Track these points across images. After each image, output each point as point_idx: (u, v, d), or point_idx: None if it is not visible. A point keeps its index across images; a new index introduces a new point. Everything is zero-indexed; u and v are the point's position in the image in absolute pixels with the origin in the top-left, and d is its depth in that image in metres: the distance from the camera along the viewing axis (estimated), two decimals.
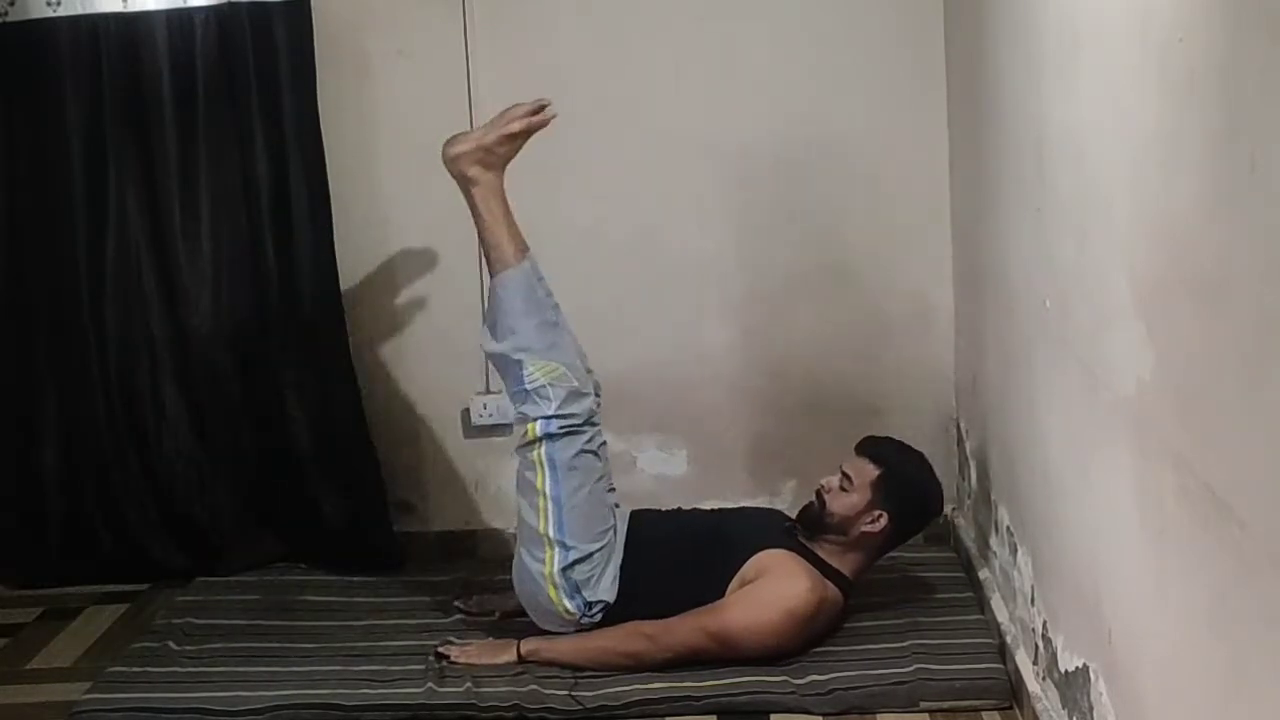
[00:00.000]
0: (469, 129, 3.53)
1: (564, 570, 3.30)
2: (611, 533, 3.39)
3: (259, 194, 3.93)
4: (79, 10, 3.87)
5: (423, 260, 4.08)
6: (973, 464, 3.74)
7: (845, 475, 3.35)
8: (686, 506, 3.77)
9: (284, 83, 3.88)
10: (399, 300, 4.10)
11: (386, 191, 4.04)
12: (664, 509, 3.67)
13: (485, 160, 3.40)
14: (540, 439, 3.32)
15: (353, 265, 4.02)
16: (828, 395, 4.05)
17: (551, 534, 3.31)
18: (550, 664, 3.25)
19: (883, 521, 3.32)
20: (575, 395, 3.35)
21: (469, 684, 3.19)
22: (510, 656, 3.27)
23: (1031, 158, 2.82)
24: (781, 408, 4.07)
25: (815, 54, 3.96)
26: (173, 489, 4.04)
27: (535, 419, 3.33)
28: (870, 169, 3.98)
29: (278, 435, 4.03)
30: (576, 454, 3.34)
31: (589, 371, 3.46)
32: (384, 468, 4.05)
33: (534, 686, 3.17)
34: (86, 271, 3.95)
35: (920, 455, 3.47)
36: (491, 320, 3.43)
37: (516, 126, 3.41)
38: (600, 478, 3.40)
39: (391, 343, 4.11)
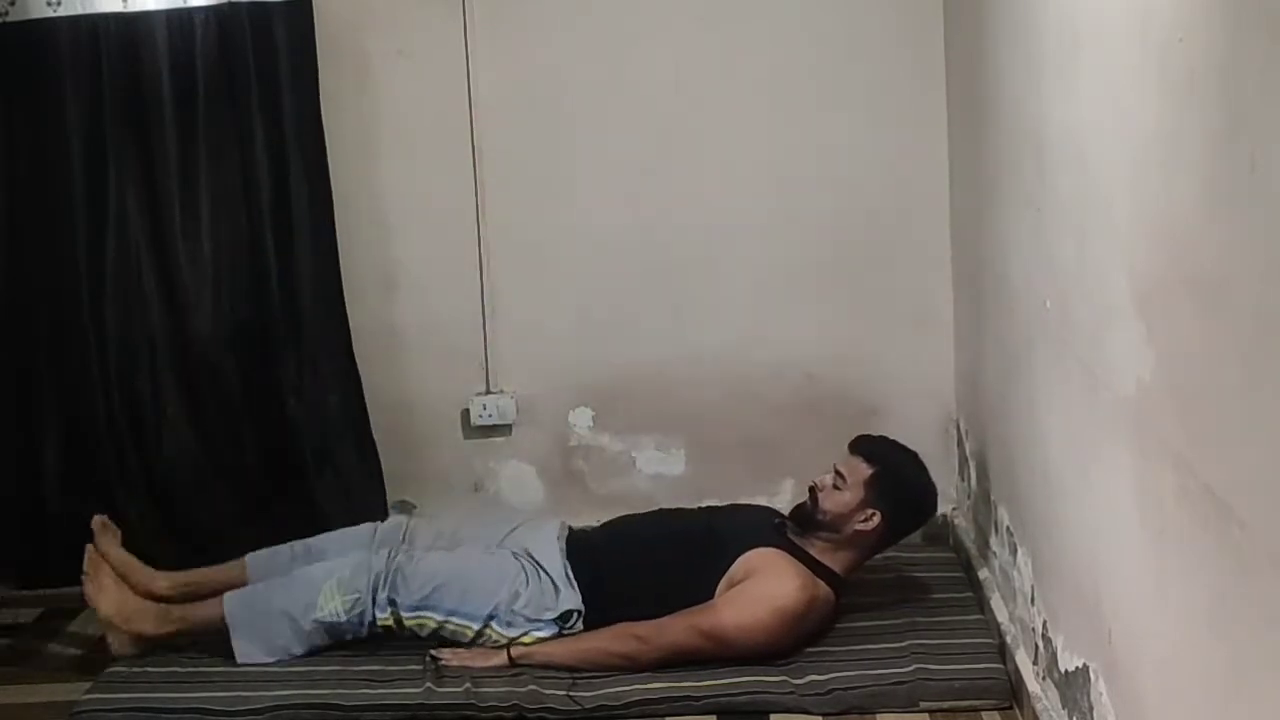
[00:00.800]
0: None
1: (509, 624, 3.31)
2: (511, 558, 3.40)
3: (259, 194, 3.93)
4: (79, 10, 3.87)
5: (423, 260, 4.08)
6: (973, 464, 3.74)
7: (839, 473, 3.35)
8: (687, 506, 3.77)
9: (284, 83, 3.88)
10: (399, 300, 4.10)
11: (386, 191, 4.04)
12: (646, 511, 3.68)
13: (124, 616, 3.40)
14: (381, 619, 3.34)
15: (353, 265, 4.02)
16: (827, 395, 4.05)
17: (478, 626, 3.33)
18: (542, 666, 3.25)
19: (875, 520, 3.33)
20: (351, 581, 3.34)
21: (468, 684, 3.19)
22: (501, 660, 3.27)
23: (1031, 158, 2.82)
24: (780, 407, 4.07)
25: (815, 54, 3.96)
26: (173, 489, 4.04)
27: (366, 622, 3.34)
28: (870, 169, 3.98)
29: (278, 435, 4.03)
30: (400, 582, 3.35)
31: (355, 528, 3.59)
32: (384, 468, 4.06)
33: (533, 687, 3.17)
34: (86, 271, 3.95)
35: (914, 454, 3.47)
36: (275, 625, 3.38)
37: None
38: (433, 547, 3.46)
39: (392, 343, 4.10)
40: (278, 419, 4.02)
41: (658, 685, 3.16)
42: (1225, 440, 1.75)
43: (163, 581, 3.52)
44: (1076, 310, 2.51)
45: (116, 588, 3.42)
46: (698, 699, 3.12)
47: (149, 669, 3.35)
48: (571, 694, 3.14)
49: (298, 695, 3.18)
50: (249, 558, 3.56)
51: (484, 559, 3.44)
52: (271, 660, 3.33)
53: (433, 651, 3.32)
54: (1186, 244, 1.86)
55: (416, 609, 3.34)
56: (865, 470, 3.35)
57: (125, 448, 4.02)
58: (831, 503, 3.34)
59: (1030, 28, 2.81)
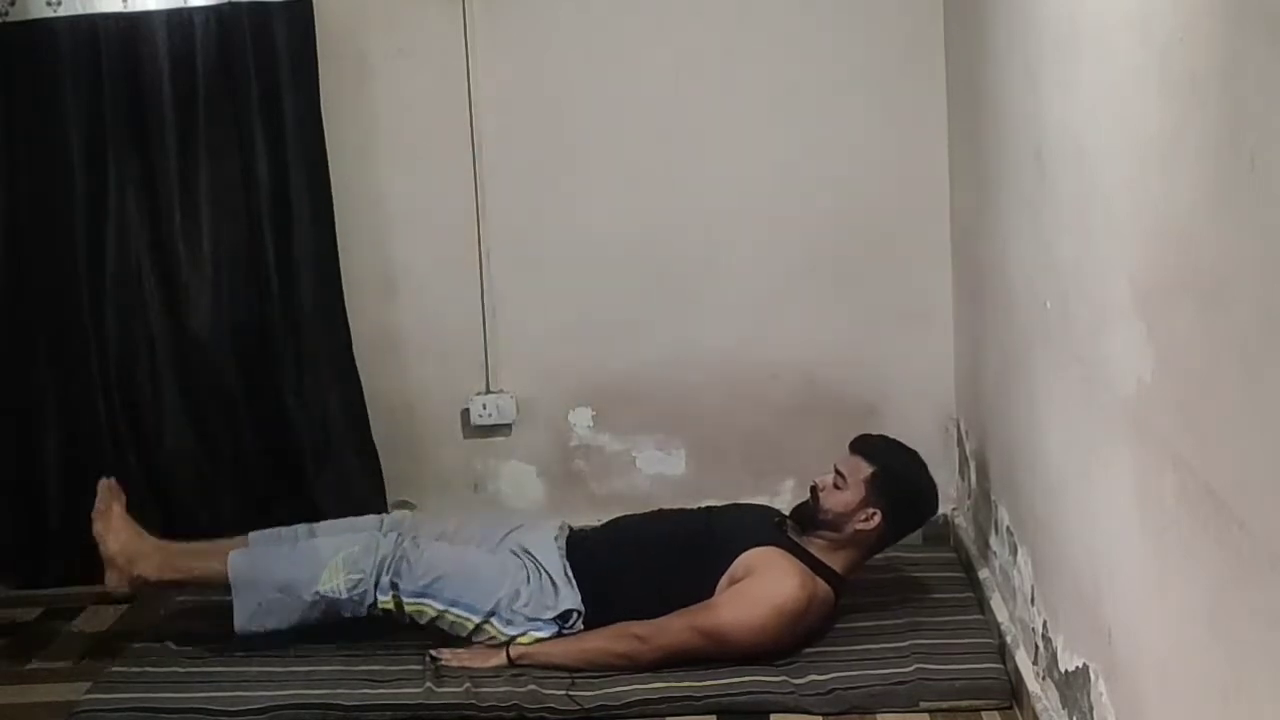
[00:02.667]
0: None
1: (509, 623, 3.32)
2: (512, 557, 3.41)
3: (259, 194, 3.94)
4: (79, 10, 3.87)
5: (423, 260, 4.08)
6: (973, 464, 3.74)
7: (839, 473, 3.36)
8: (687, 506, 3.77)
9: (284, 83, 3.89)
10: (399, 300, 4.10)
11: (386, 191, 4.04)
12: (646, 511, 3.68)
13: (128, 555, 3.43)
14: (383, 601, 3.35)
15: (353, 265, 4.02)
16: (827, 395, 4.05)
17: (478, 620, 3.33)
18: (542, 666, 3.25)
19: (876, 519, 3.33)
20: (358, 560, 3.36)
21: (468, 684, 3.18)
22: (500, 660, 3.27)
23: (1031, 158, 2.81)
24: (780, 407, 4.08)
25: (815, 54, 3.96)
26: (173, 489, 4.04)
27: (366, 604, 3.35)
28: (870, 169, 3.98)
29: (278, 435, 4.03)
30: (404, 568, 3.36)
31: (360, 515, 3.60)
32: (384, 468, 4.06)
33: (533, 687, 3.17)
34: (86, 271, 3.95)
35: (914, 454, 3.47)
36: (284, 603, 3.38)
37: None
38: (435, 542, 3.45)
39: (391, 343, 4.11)
40: (277, 419, 4.02)
41: (658, 685, 3.16)
42: (1225, 440, 1.74)
43: (173, 547, 3.51)
44: (1076, 310, 2.51)
45: (125, 527, 3.45)
46: (698, 699, 3.12)
47: (149, 669, 3.35)
48: (571, 694, 3.14)
49: (298, 695, 3.18)
50: (251, 535, 3.56)
51: (488, 555, 3.46)
52: (265, 629, 3.34)
53: (432, 652, 3.32)
54: (1186, 244, 1.86)
55: (418, 596, 3.35)
56: (866, 469, 3.35)
57: (125, 448, 4.02)
58: (832, 502, 3.34)
59: (1030, 28, 2.81)
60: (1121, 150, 2.17)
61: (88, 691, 3.26)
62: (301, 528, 3.61)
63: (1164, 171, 1.95)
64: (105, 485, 3.52)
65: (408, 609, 3.35)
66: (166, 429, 4.03)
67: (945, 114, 3.92)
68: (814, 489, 3.39)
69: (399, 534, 3.47)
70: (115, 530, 3.44)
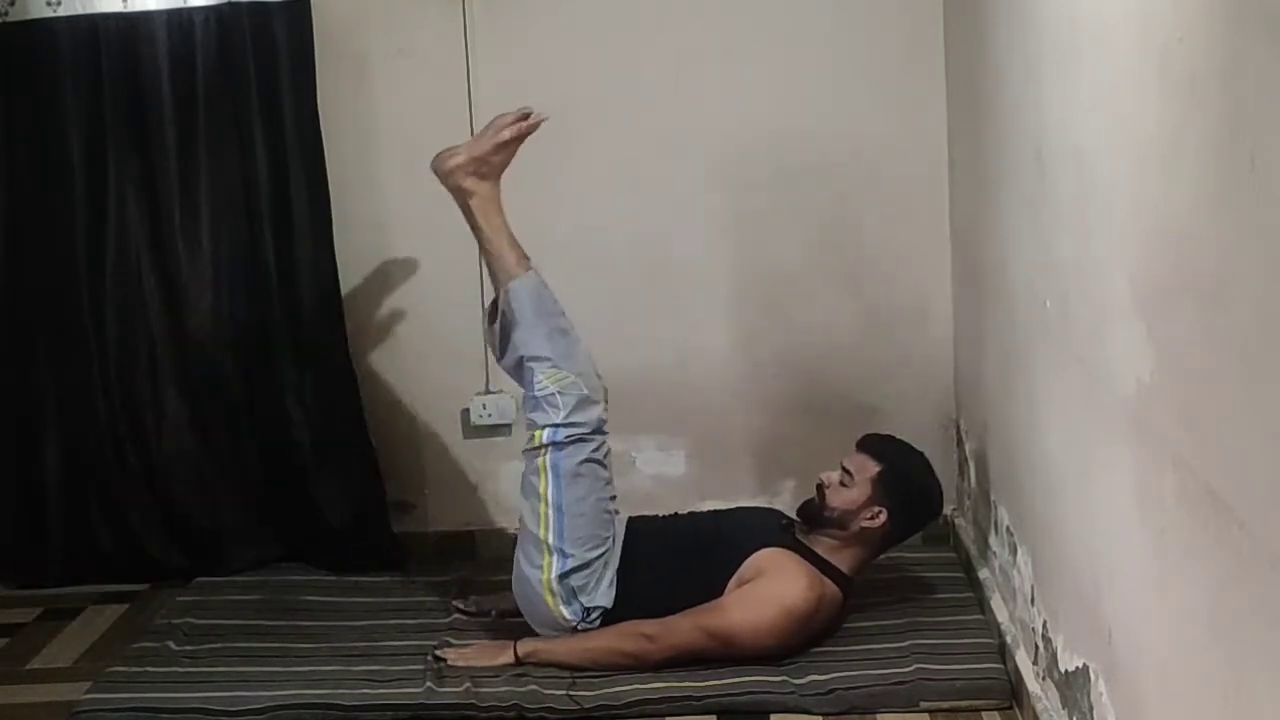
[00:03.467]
0: (458, 143, 3.50)
1: (561, 577, 3.31)
2: (610, 540, 3.40)
3: (259, 194, 3.93)
4: (79, 10, 3.87)
5: (422, 260, 4.08)
6: (973, 464, 3.74)
7: (845, 470, 3.36)
8: (686, 507, 3.77)
9: (284, 83, 3.88)
10: (399, 300, 4.10)
11: (386, 192, 4.04)
12: (661, 514, 3.67)
13: (480, 171, 3.41)
14: (546, 446, 3.34)
15: (353, 265, 4.02)
16: (827, 395, 4.05)
17: (551, 540, 3.32)
18: (548, 665, 3.25)
19: (882, 518, 3.33)
20: (584, 403, 3.36)
21: (468, 684, 3.19)
22: (507, 658, 3.27)
23: (1031, 158, 2.81)
24: (781, 408, 4.08)
25: (815, 54, 3.96)
26: (173, 489, 4.04)
27: (543, 426, 3.34)
28: (870, 169, 3.98)
29: (278, 435, 4.03)
30: (581, 462, 3.35)
31: (599, 378, 3.46)
32: (384, 468, 4.06)
33: (533, 687, 3.17)
34: (86, 272, 3.96)
35: (921, 454, 3.47)
36: (504, 331, 3.43)
37: (508, 134, 3.41)
38: (605, 484, 3.40)
39: (391, 343, 4.11)
40: (278, 419, 4.02)
41: (658, 685, 3.16)
42: (1225, 440, 1.74)
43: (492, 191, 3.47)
44: (1076, 310, 2.51)
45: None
46: (698, 699, 3.12)
47: (149, 669, 3.35)
48: (571, 694, 3.14)
49: (298, 695, 3.18)
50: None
51: (609, 515, 3.42)
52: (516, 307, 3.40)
53: (436, 651, 3.32)
54: (1186, 244, 1.86)
55: (551, 488, 3.33)
56: (872, 468, 3.35)
57: (125, 448, 4.02)
58: (838, 499, 3.35)
59: (1030, 28, 2.81)
60: (1121, 150, 2.17)
61: (88, 691, 3.26)
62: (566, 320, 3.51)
63: (1164, 171, 1.95)
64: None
65: (540, 460, 3.33)
66: (166, 429, 4.03)
67: (945, 114, 3.92)
68: (820, 486, 3.39)
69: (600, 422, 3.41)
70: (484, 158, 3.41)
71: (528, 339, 3.38)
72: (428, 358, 4.11)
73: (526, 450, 3.39)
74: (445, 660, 3.29)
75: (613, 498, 3.46)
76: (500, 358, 3.49)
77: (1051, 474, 2.78)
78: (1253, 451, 1.64)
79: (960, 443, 3.94)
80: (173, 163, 3.92)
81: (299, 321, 3.98)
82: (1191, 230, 1.84)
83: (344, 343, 4.00)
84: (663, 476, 4.13)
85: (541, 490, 3.33)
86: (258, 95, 3.89)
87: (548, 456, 3.33)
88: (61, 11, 3.87)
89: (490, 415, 4.09)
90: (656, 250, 4.04)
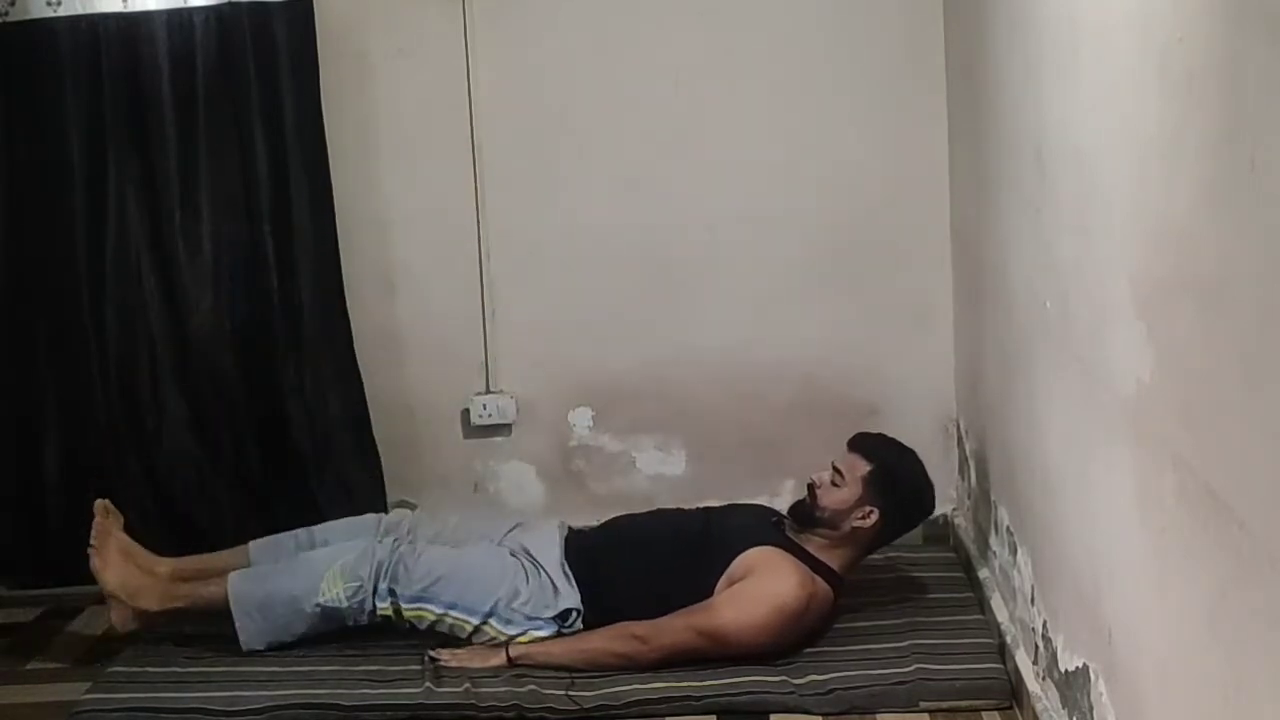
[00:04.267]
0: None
1: (509, 624, 3.32)
2: (509, 556, 3.42)
3: (259, 194, 3.93)
4: (79, 10, 3.87)
5: (423, 260, 4.08)
6: (973, 464, 3.74)
7: (836, 470, 3.36)
8: (686, 507, 3.76)
9: (284, 83, 3.88)
10: (399, 300, 4.10)
11: (386, 191, 4.04)
12: (648, 510, 3.68)
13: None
14: (381, 608, 3.35)
15: (353, 265, 4.02)
16: (827, 395, 4.05)
17: (476, 622, 3.33)
18: (541, 666, 3.25)
19: (874, 517, 3.33)
20: (354, 568, 3.36)
21: (467, 684, 3.18)
22: (500, 660, 3.27)
23: (1031, 158, 2.82)
24: (780, 408, 4.08)
25: (815, 53, 3.96)
26: (173, 489, 4.04)
27: (366, 610, 3.36)
28: (870, 169, 3.98)
29: (278, 435, 4.03)
30: (402, 573, 3.36)
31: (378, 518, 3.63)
32: (384, 468, 4.06)
33: (533, 687, 3.17)
34: (86, 271, 3.95)
35: (912, 452, 3.47)
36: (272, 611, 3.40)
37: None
38: (435, 542, 3.48)
39: (391, 343, 4.11)
40: (278, 419, 4.02)
41: (658, 685, 3.16)
42: (1225, 440, 1.75)
43: (164, 567, 3.51)
44: (1076, 310, 2.51)
45: (123, 561, 3.43)
46: (698, 699, 3.12)
47: (149, 669, 3.35)
48: (571, 694, 3.14)
49: (298, 695, 3.18)
50: (251, 545, 3.58)
51: (485, 556, 3.45)
52: (271, 644, 3.35)
53: (430, 652, 3.32)
54: (1186, 244, 1.86)
55: (416, 600, 3.35)
56: (863, 467, 3.35)
57: (125, 448, 4.02)
58: (830, 499, 3.35)
59: (1030, 28, 2.81)
60: (1121, 150, 2.17)
61: (88, 691, 3.26)
62: (301, 532, 3.61)
63: (1164, 171, 1.95)
64: (100, 508, 3.48)
65: (406, 614, 3.36)
66: (166, 429, 4.03)
67: (945, 114, 3.92)
68: (811, 486, 3.39)
69: (396, 539, 3.48)
70: (113, 564, 3.41)
71: (290, 596, 3.37)
72: (428, 358, 4.11)
73: (400, 627, 3.39)
74: (439, 660, 3.28)
75: (455, 528, 3.58)
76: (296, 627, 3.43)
77: (1051, 474, 2.78)
78: (1253, 451, 1.64)
79: (960, 443, 3.94)
80: (173, 162, 3.92)
81: (299, 321, 3.98)
82: (1191, 230, 1.84)
83: (345, 342, 4.00)
84: (662, 476, 4.13)
85: (431, 616, 3.35)
86: (258, 95, 3.89)
87: (396, 605, 3.35)
88: (61, 11, 3.86)
89: (490, 415, 4.09)
90: (656, 250, 4.04)
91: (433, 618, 3.35)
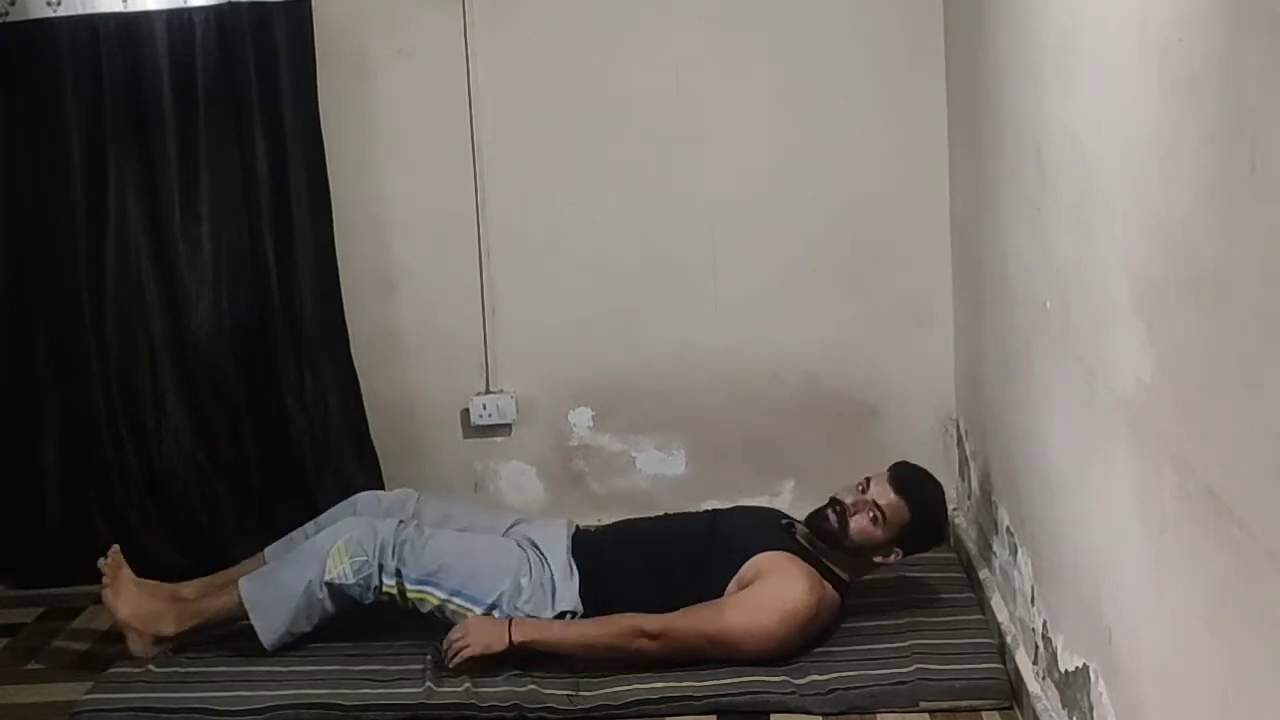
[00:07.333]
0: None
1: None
2: (516, 548, 3.41)
3: (259, 194, 3.94)
4: (79, 10, 3.87)
5: (423, 260, 4.08)
6: (973, 464, 3.74)
7: (878, 507, 3.31)
8: (685, 507, 3.77)
9: (284, 83, 3.89)
10: (399, 300, 4.10)
11: (386, 191, 4.05)
12: (655, 515, 3.67)
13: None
14: (387, 585, 3.34)
15: (353, 265, 4.02)
16: (827, 395, 4.05)
17: (480, 612, 3.32)
18: (543, 644, 3.23)
19: (895, 557, 3.36)
20: (359, 543, 3.35)
21: (468, 684, 3.18)
22: (503, 638, 3.22)
23: (1031, 158, 2.82)
24: (780, 408, 4.07)
25: (815, 53, 3.96)
26: (173, 489, 4.04)
27: (372, 587, 3.35)
28: (870, 169, 3.98)
29: (278, 435, 4.03)
30: (408, 554, 3.35)
31: (380, 500, 3.63)
32: (384, 468, 4.06)
33: (533, 686, 3.17)
34: (86, 271, 3.96)
35: (940, 489, 3.45)
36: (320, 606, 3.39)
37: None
38: (443, 526, 3.47)
39: (391, 342, 4.11)
40: (278, 419, 4.02)
41: (658, 685, 3.15)
42: (1225, 440, 1.75)
43: (188, 589, 3.53)
44: (1076, 310, 2.51)
45: (135, 591, 3.43)
46: (698, 699, 3.12)
47: (149, 669, 3.35)
48: (571, 694, 3.14)
49: (298, 695, 3.18)
50: (267, 550, 3.59)
51: (493, 546, 3.45)
52: (293, 636, 3.35)
53: (439, 644, 3.29)
54: (1186, 244, 1.86)
55: (421, 584, 3.34)
56: (905, 515, 3.32)
57: (125, 448, 4.02)
58: (863, 533, 3.30)
59: (1030, 27, 2.81)
60: (1121, 150, 2.17)
61: (88, 691, 3.26)
62: (309, 526, 3.61)
63: (1164, 171, 1.95)
64: (110, 558, 3.47)
65: (410, 596, 3.35)
66: (166, 429, 4.03)
67: (945, 114, 3.92)
68: (843, 511, 3.33)
69: (400, 520, 3.47)
70: (125, 595, 3.41)
71: (303, 585, 3.35)
72: (427, 358, 4.11)
73: (402, 607, 3.37)
74: (446, 651, 3.24)
75: (461, 513, 3.56)
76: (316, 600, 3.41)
77: (1051, 474, 2.78)
78: (1253, 451, 1.64)
79: (960, 443, 3.94)
80: (173, 163, 3.93)
81: (299, 321, 3.99)
82: (1191, 230, 1.84)
83: (344, 342, 4.00)
84: (662, 476, 4.13)
85: (434, 601, 3.34)
86: (258, 95, 3.89)
87: (400, 584, 3.34)
88: (61, 11, 3.87)
89: (490, 415, 4.09)
90: (656, 250, 4.04)
91: (436, 602, 3.35)
